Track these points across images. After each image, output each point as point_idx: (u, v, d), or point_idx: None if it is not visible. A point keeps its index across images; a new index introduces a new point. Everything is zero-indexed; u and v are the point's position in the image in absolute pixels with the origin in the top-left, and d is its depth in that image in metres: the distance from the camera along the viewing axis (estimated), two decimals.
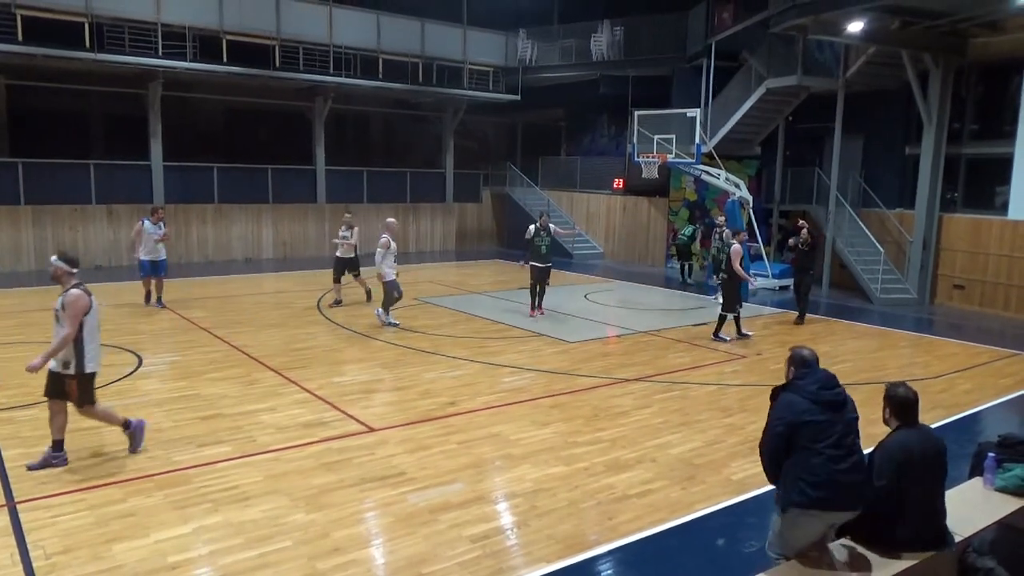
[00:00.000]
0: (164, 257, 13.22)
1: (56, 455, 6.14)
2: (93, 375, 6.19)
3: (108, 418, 6.44)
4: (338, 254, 13.68)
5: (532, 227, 12.84)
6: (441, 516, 5.43)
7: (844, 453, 3.91)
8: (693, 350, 11.06)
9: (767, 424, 4.10)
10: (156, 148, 18.79)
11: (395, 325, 11.85)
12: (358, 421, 7.46)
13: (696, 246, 18.67)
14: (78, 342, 5.95)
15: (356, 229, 13.84)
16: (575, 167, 25.27)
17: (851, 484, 3.90)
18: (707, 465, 6.57)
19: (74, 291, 5.98)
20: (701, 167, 17.99)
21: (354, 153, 24.15)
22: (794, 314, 13.34)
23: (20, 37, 15.79)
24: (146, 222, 12.91)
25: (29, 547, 4.84)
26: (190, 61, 17.89)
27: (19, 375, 8.75)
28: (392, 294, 11.78)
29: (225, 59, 18.37)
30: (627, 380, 9.25)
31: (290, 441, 6.88)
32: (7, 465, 6.13)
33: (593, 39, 22.34)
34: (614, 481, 6.15)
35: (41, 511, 5.35)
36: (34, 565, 4.62)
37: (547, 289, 13.23)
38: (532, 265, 12.82)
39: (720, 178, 17.68)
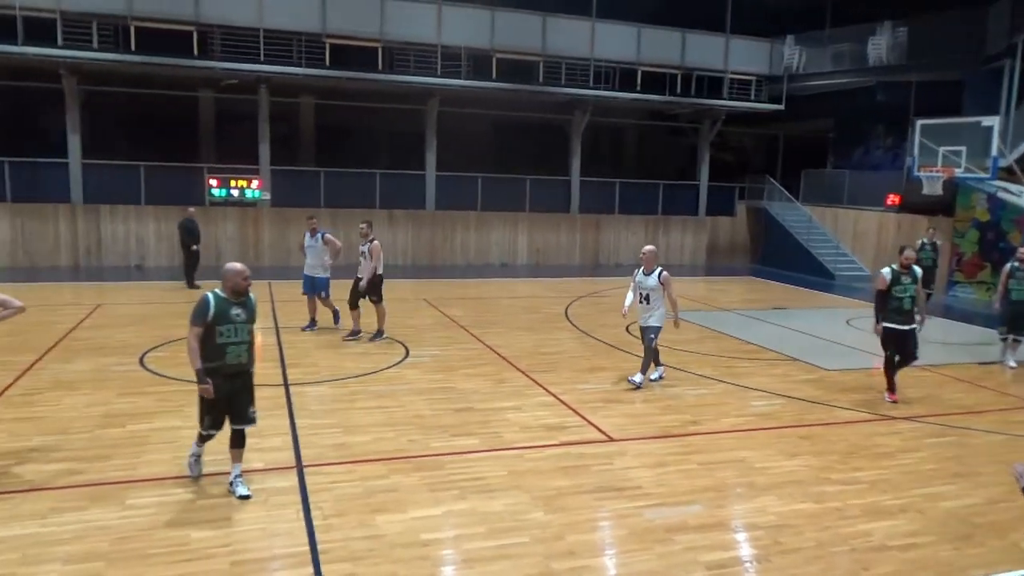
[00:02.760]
0: (323, 275, 11.48)
1: None
2: None
3: None
4: (357, 274, 11.15)
5: (887, 271, 8.76)
6: (677, 536, 5.32)
7: None
8: (976, 391, 9.70)
9: None
10: (430, 159, 20.65)
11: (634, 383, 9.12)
12: (598, 429, 7.56)
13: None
14: None
15: (375, 243, 10.98)
16: (842, 181, 23.42)
17: None
18: (988, 526, 5.73)
19: None
20: (998, 183, 15.75)
21: (607, 164, 24.54)
22: None
23: (328, 62, 18.25)
24: (306, 235, 11.71)
25: (311, 507, 5.55)
26: (464, 79, 19.42)
27: (309, 355, 10.10)
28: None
29: (494, 76, 19.67)
30: (893, 417, 8.37)
31: (533, 441, 7.17)
32: (298, 433, 7.08)
33: (871, 42, 20.57)
34: (871, 528, 5.60)
35: (322, 476, 6.11)
36: (314, 524, 5.29)
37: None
38: (886, 327, 8.78)
39: (1022, 196, 15.34)
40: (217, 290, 5.60)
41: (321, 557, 4.85)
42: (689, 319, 13.77)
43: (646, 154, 26.98)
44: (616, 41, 20.87)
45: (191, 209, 16.27)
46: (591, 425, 7.69)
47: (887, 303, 8.70)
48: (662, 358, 9.68)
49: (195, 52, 17.46)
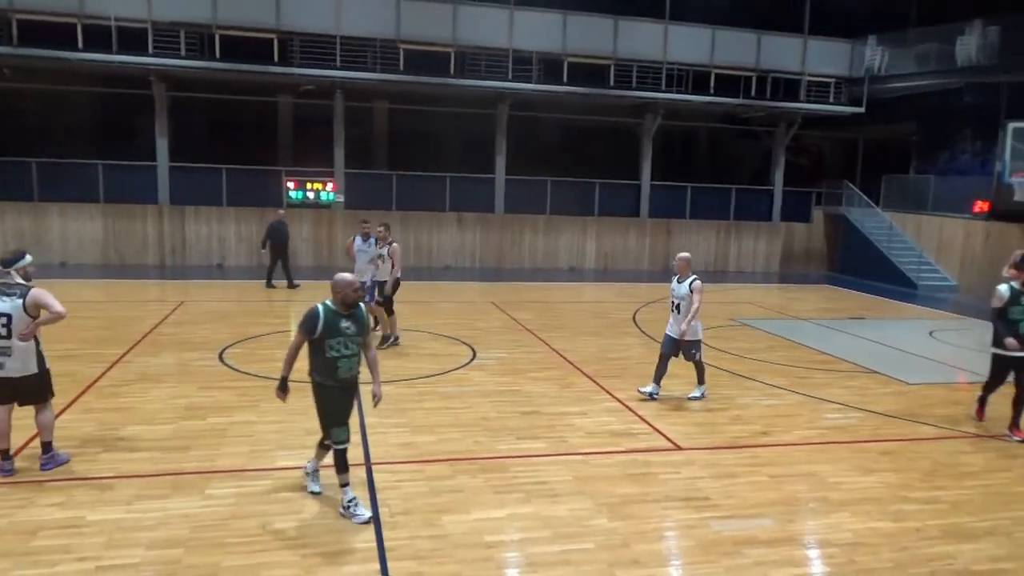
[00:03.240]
0: (369, 279, 10.86)
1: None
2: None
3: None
4: (375, 278, 10.79)
5: (1004, 288, 7.79)
6: (745, 550, 5.21)
7: None
8: None
9: None
10: (500, 163, 20.79)
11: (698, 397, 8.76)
12: (665, 437, 7.47)
13: None
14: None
15: (395, 246, 10.78)
16: (926, 187, 22.45)
17: None
18: None
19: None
20: None
21: (679, 168, 24.20)
22: None
23: (402, 67, 18.60)
24: (357, 238, 11.39)
25: (378, 504, 5.66)
26: (535, 83, 19.50)
27: (386, 356, 10.27)
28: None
29: (565, 79, 19.68)
30: (979, 436, 7.98)
31: (598, 447, 7.13)
32: (367, 432, 7.23)
33: (959, 42, 19.68)
34: (953, 551, 5.35)
35: (389, 475, 6.22)
36: (381, 520, 5.40)
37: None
38: (997, 354, 7.94)
39: None
40: (327, 301, 5.37)
41: (387, 554, 4.94)
42: (761, 327, 13.49)
43: (719, 158, 26.51)
44: (689, 43, 20.59)
45: (280, 211, 16.76)
46: (658, 433, 7.59)
47: (1001, 323, 7.77)
48: (737, 366, 9.47)
49: (275, 59, 18.05)
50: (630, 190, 22.29)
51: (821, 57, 21.77)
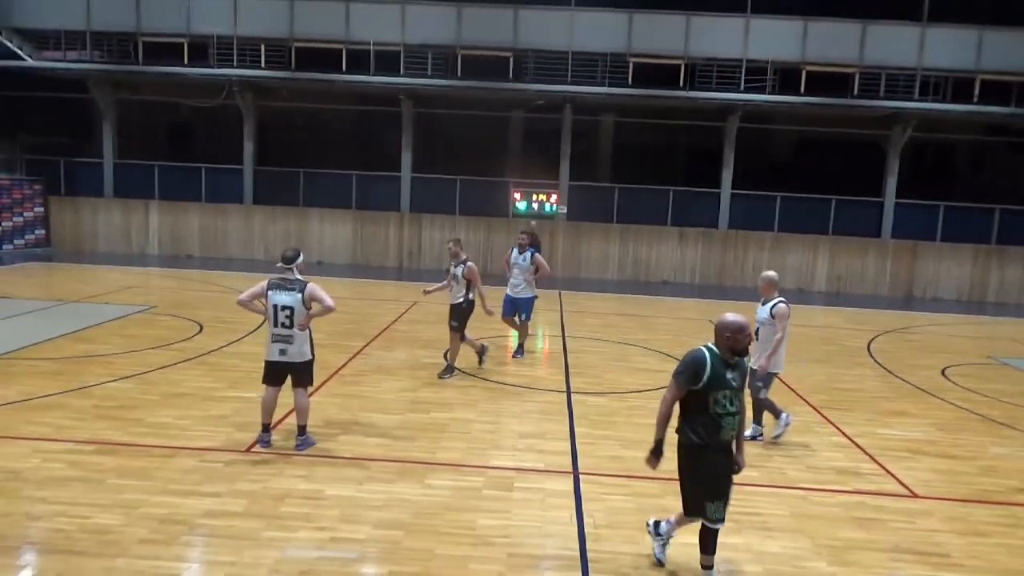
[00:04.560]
0: (529, 295, 10.43)
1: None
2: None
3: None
4: (452, 301, 9.36)
5: None
6: None
7: None
8: None
9: None
10: (726, 177, 20.13)
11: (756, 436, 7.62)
12: (899, 481, 6.77)
13: None
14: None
15: (471, 265, 9.27)
16: None
17: None
18: None
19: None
20: None
21: (930, 185, 21.84)
22: None
23: (630, 81, 18.68)
24: (514, 250, 10.60)
25: (584, 514, 5.71)
26: (769, 94, 18.65)
27: (594, 367, 10.39)
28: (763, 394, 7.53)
29: (803, 90, 18.60)
30: None
31: (820, 484, 6.64)
32: (577, 441, 7.33)
33: None
34: None
35: (596, 486, 6.26)
36: (585, 531, 5.44)
37: None
38: None
39: None
40: (711, 344, 4.65)
41: (589, 566, 4.97)
42: (1019, 366, 11.80)
43: (981, 174, 23.52)
44: (949, 46, 18.57)
45: (533, 223, 17.58)
46: (891, 476, 6.90)
47: None
48: (992, 411, 8.33)
49: (510, 75, 18.95)
50: (871, 208, 20.53)
51: None
